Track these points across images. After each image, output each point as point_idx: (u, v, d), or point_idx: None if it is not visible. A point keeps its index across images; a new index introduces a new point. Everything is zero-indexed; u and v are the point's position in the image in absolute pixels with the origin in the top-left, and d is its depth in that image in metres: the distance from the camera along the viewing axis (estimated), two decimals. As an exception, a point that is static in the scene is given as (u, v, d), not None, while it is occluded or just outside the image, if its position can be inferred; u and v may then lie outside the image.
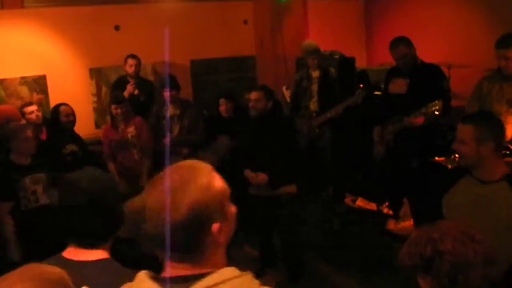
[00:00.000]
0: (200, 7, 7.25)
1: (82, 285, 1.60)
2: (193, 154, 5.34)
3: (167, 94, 5.41)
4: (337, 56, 6.78)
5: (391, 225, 5.66)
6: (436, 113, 4.45)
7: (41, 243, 3.39)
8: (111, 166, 5.27)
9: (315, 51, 5.97)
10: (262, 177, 4.54)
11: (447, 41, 6.65)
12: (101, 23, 6.69)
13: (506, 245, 2.38)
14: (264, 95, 4.62)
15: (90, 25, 6.60)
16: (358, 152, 6.22)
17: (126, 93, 5.87)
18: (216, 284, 1.27)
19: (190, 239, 1.32)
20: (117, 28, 6.77)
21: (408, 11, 7.44)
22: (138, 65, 6.15)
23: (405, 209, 5.59)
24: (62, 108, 5.16)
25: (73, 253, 1.85)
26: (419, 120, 4.63)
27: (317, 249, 5.22)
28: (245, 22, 7.65)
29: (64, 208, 1.91)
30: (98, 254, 1.84)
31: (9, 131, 4.27)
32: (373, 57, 8.28)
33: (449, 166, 5.09)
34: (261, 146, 4.60)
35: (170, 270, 1.35)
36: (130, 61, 6.11)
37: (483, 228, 1.71)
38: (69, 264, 1.73)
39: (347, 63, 6.70)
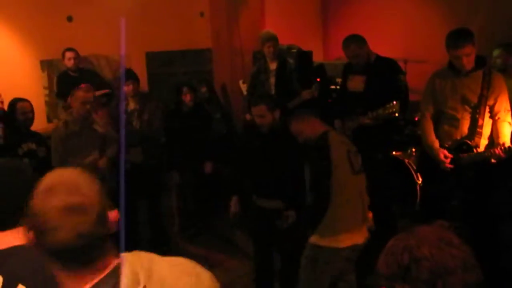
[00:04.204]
0: (156, -2, 7.12)
1: None
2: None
3: (129, 88, 5.24)
4: (294, 50, 6.75)
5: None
6: (395, 114, 4.47)
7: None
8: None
9: (271, 38, 5.73)
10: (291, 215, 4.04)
11: (403, 36, 6.70)
12: (53, 14, 6.48)
13: None
14: (267, 109, 4.01)
15: (42, 15, 6.38)
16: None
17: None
18: None
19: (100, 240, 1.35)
20: (70, 19, 6.57)
21: (364, 5, 7.47)
22: (77, 57, 6.07)
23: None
24: (19, 104, 4.88)
25: None
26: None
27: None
28: (202, 14, 7.54)
29: None
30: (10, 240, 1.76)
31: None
32: (329, 51, 8.31)
33: (406, 161, 5.18)
34: (273, 164, 4.10)
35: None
36: (68, 54, 6.03)
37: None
38: None
39: (305, 57, 6.69)
